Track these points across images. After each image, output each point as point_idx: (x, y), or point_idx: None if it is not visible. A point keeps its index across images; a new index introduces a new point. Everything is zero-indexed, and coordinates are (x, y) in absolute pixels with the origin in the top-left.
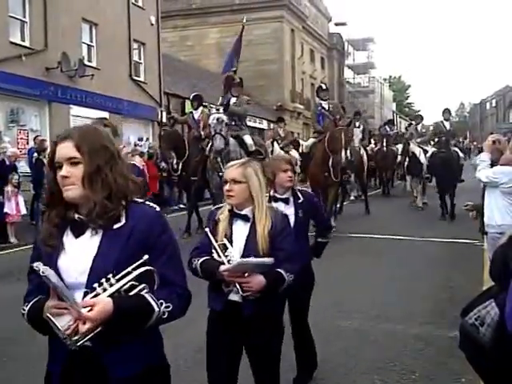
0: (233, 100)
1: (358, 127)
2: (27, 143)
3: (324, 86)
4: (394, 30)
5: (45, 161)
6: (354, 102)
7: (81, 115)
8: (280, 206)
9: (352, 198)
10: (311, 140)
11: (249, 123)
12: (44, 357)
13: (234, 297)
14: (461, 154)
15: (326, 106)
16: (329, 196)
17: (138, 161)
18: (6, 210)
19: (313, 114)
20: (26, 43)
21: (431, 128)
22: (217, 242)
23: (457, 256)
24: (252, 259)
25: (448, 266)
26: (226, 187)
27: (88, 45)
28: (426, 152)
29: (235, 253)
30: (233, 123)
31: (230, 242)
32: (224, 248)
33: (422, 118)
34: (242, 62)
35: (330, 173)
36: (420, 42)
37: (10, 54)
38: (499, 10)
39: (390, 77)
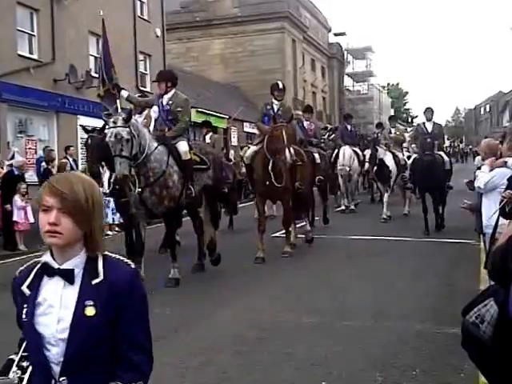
0: (166, 98)
1: (350, 131)
2: (35, 153)
3: (281, 85)
4: (391, 39)
5: (53, 170)
6: (353, 109)
7: (88, 125)
8: (57, 286)
9: (342, 207)
10: (252, 148)
11: (253, 130)
12: None
13: None
14: (446, 158)
15: (276, 108)
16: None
17: None
18: (15, 218)
19: (260, 112)
20: (34, 56)
21: (408, 131)
22: None
23: (454, 255)
24: None
25: (446, 265)
26: None
27: (95, 57)
28: (395, 156)
29: None
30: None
31: None
32: None
33: (396, 120)
34: (246, 72)
35: (271, 179)
36: (417, 51)
37: (19, 66)
38: (491, 20)
39: (388, 84)
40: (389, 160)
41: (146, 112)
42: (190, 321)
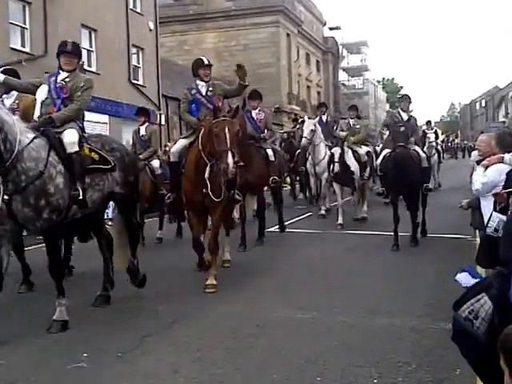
0: (62, 75)
1: (326, 123)
2: None
3: (206, 61)
4: (386, 33)
5: None
6: (348, 103)
7: None
8: None
9: (322, 212)
10: (181, 142)
11: None
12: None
13: None
14: (422, 155)
15: (204, 90)
16: (213, 221)
17: None
18: None
19: (183, 100)
20: (27, 49)
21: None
22: None
23: (450, 250)
24: None
25: (442, 260)
26: None
27: (88, 50)
28: (356, 153)
29: None
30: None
31: None
32: None
33: (356, 110)
34: None
35: (207, 189)
36: (412, 46)
37: (11, 59)
38: (487, 14)
39: (384, 79)
40: (349, 159)
41: (14, 92)
42: (183, 317)
